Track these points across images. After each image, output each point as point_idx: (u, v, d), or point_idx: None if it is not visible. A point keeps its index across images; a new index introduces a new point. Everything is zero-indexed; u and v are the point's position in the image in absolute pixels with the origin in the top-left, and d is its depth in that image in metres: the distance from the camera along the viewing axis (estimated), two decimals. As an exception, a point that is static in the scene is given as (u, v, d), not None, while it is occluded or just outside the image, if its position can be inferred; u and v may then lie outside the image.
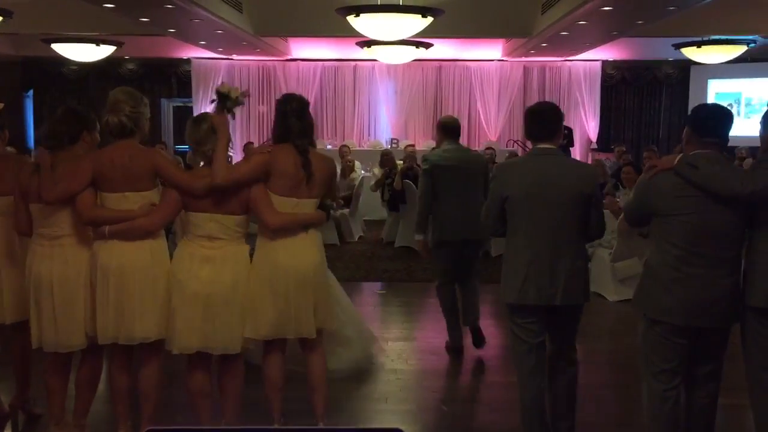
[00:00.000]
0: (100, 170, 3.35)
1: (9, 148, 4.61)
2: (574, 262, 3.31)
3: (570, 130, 12.93)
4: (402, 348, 5.37)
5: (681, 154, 3.08)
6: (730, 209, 2.99)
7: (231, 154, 3.68)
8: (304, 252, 3.45)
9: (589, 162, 12.56)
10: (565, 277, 3.27)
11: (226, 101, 3.44)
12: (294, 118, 3.47)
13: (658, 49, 13.04)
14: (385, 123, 14.72)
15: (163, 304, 3.39)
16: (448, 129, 5.15)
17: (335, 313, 3.81)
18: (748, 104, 14.23)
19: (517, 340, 3.41)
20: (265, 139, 14.56)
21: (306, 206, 3.45)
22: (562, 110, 3.55)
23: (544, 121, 3.42)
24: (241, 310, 3.41)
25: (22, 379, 3.96)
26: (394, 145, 13.44)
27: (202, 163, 3.47)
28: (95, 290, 3.38)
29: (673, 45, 11.81)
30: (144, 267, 3.35)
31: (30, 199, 3.47)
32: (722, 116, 3.16)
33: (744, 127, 12.67)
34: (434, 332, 5.71)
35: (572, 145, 13.41)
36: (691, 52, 11.62)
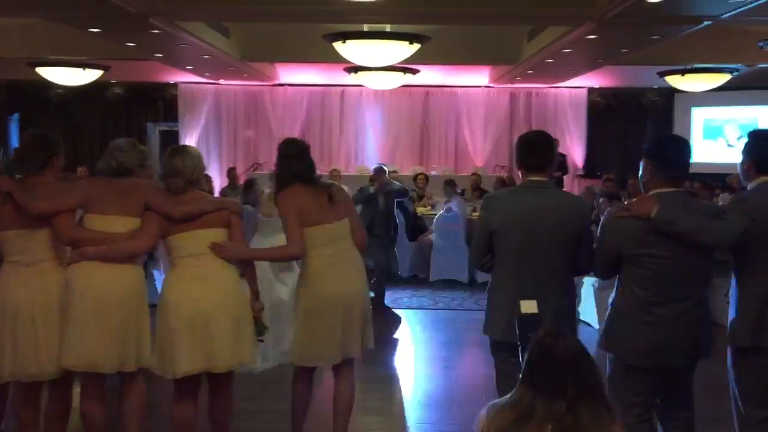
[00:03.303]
0: (95, 190, 3.34)
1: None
2: (559, 300, 3.19)
3: (564, 157, 12.94)
4: (386, 377, 5.29)
5: (657, 207, 2.93)
6: (700, 250, 2.96)
7: (213, 186, 3.74)
8: (350, 280, 3.62)
9: (579, 189, 12.59)
10: (551, 314, 3.13)
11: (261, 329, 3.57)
12: (296, 161, 3.65)
13: (643, 76, 13.15)
14: (372, 148, 14.72)
15: (141, 331, 3.32)
16: None
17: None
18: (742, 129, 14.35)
19: (502, 377, 3.31)
20: (251, 164, 14.52)
21: (337, 228, 3.60)
22: (555, 139, 3.44)
23: (537, 151, 3.25)
24: (237, 327, 3.37)
25: None
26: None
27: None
28: (67, 314, 3.27)
29: (657, 73, 11.92)
30: (123, 293, 3.29)
31: (1, 227, 3.36)
32: (683, 147, 3.15)
33: (735, 155, 12.81)
34: (420, 362, 5.64)
35: (567, 173, 13.41)
36: (675, 80, 11.73)
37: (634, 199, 3.11)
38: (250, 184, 9.63)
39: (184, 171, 3.40)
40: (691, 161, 3.18)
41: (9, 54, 10.81)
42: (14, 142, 15.22)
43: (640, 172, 3.15)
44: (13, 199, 3.32)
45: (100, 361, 3.26)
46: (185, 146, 3.61)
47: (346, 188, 4.13)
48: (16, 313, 3.32)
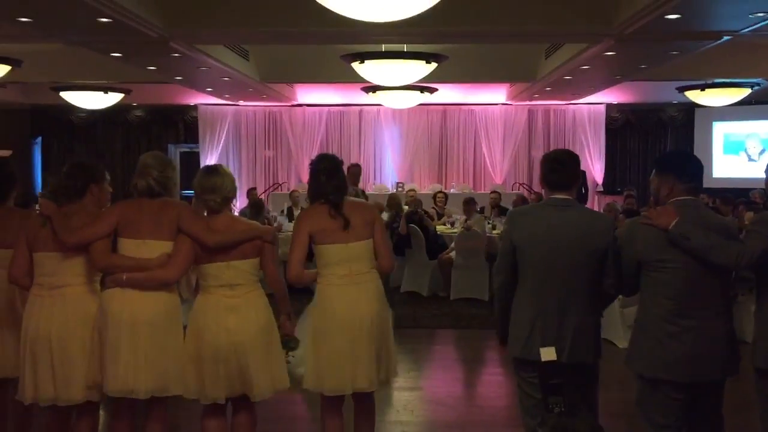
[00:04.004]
0: (127, 215, 3.35)
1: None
2: (583, 318, 3.15)
3: (583, 173, 12.88)
4: (408, 398, 5.26)
5: (676, 221, 2.98)
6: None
7: (234, 206, 3.71)
8: (360, 303, 3.48)
9: (600, 206, 12.50)
10: (573, 333, 3.12)
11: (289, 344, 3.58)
12: (324, 177, 3.56)
13: (662, 92, 13.09)
14: (390, 167, 14.76)
15: (175, 357, 3.34)
16: None
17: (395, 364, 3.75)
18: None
19: (524, 395, 3.28)
20: (271, 184, 14.61)
21: (355, 249, 3.51)
22: (579, 158, 3.39)
23: (563, 170, 3.24)
24: (270, 356, 3.41)
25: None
26: (399, 189, 13.44)
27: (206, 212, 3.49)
28: (102, 341, 3.31)
29: (677, 88, 11.86)
30: (157, 319, 3.31)
31: (36, 248, 3.43)
32: (696, 161, 3.22)
33: (757, 170, 12.66)
34: (442, 381, 5.60)
35: (587, 189, 13.34)
36: (694, 96, 11.66)
37: (655, 209, 3.09)
38: (259, 205, 9.69)
39: (223, 188, 3.43)
40: (713, 176, 3.21)
41: (33, 79, 11.01)
42: (38, 165, 15.45)
43: (654, 187, 3.20)
44: (51, 225, 3.38)
45: (135, 387, 3.28)
46: (218, 165, 3.61)
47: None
48: (36, 338, 3.36)
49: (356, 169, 8.77)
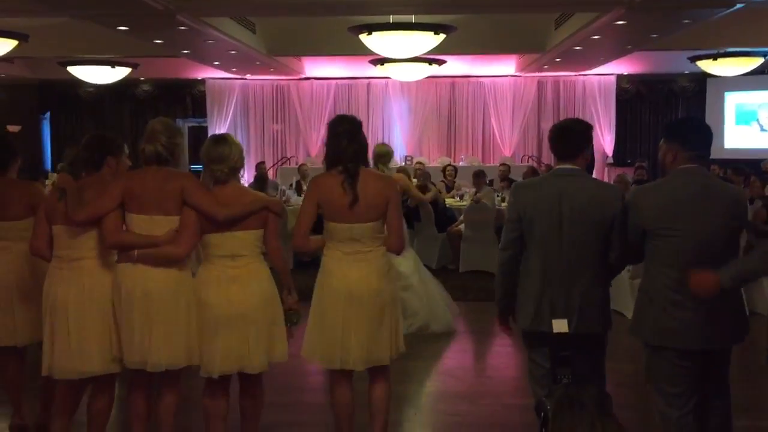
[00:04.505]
0: (131, 190, 3.33)
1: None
2: (590, 289, 3.15)
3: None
4: (417, 369, 5.29)
5: (722, 278, 2.84)
6: (725, 231, 2.97)
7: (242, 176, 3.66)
8: (361, 279, 3.37)
9: (611, 178, 12.42)
10: (580, 304, 3.12)
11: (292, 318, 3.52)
12: (346, 140, 3.37)
13: (673, 62, 12.93)
14: (399, 140, 14.70)
15: (188, 330, 3.36)
16: None
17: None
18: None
19: (534, 365, 3.30)
20: (279, 158, 14.60)
21: (361, 229, 3.37)
22: (591, 127, 3.31)
23: (567, 139, 3.23)
24: (271, 327, 3.40)
25: (16, 401, 3.98)
26: (408, 162, 13.40)
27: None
28: (117, 314, 3.35)
29: (688, 58, 11.71)
30: (169, 294, 3.32)
31: (54, 220, 3.45)
32: (704, 128, 3.18)
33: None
34: (451, 353, 5.63)
35: (593, 160, 13.25)
36: (706, 65, 11.52)
37: (693, 278, 2.90)
38: (263, 178, 9.70)
39: (230, 158, 3.38)
40: (725, 146, 3.16)
41: (40, 54, 10.99)
42: (47, 140, 15.48)
43: (661, 154, 3.17)
44: (66, 199, 3.40)
45: (149, 359, 3.32)
46: (226, 135, 3.56)
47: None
48: (54, 309, 3.41)
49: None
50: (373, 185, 3.39)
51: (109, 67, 11.62)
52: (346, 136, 3.38)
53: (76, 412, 3.61)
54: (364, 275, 3.38)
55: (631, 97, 14.88)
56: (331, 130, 3.43)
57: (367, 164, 3.48)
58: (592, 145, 3.35)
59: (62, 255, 3.44)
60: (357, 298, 3.36)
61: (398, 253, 3.60)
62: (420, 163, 12.16)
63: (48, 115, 15.47)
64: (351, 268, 3.38)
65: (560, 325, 2.99)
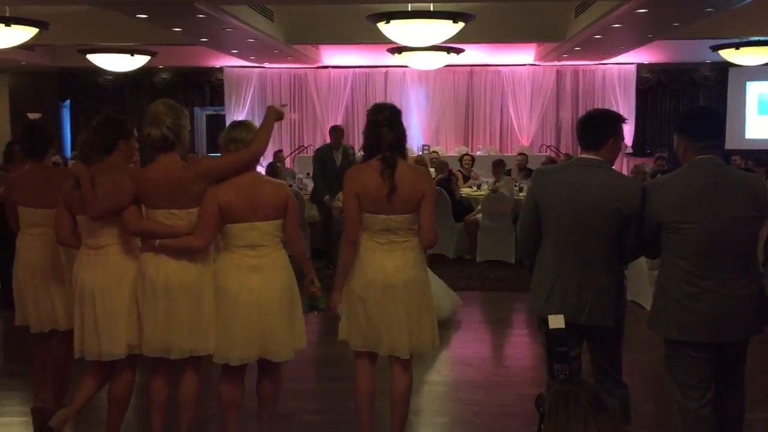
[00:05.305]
0: (143, 190, 3.35)
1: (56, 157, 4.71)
2: (604, 280, 3.13)
3: None
4: (433, 359, 5.30)
5: None
6: (741, 222, 2.92)
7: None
8: (396, 269, 3.37)
9: (628, 168, 12.32)
10: (593, 295, 3.10)
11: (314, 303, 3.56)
12: (386, 128, 3.35)
13: (694, 51, 12.77)
14: (416, 129, 14.66)
15: (209, 318, 3.39)
16: None
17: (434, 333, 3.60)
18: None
19: (544, 349, 3.27)
20: (295, 147, 14.61)
21: (397, 221, 3.36)
22: (620, 119, 3.25)
23: (592, 128, 3.20)
24: (292, 315, 3.42)
25: (59, 387, 4.03)
26: (425, 151, 13.38)
27: None
28: (141, 301, 3.40)
29: (710, 47, 11.56)
30: (191, 283, 3.35)
31: (74, 209, 3.50)
32: (712, 117, 3.15)
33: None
34: (468, 342, 5.63)
35: None
36: (729, 54, 11.36)
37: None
38: (274, 171, 9.72)
39: (244, 141, 3.40)
40: (746, 137, 3.11)
41: (60, 41, 11.05)
42: (67, 127, 15.60)
43: (675, 146, 3.14)
44: (80, 189, 3.43)
45: (171, 347, 3.36)
46: (246, 120, 3.60)
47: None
48: (82, 293, 3.47)
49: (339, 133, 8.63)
50: (409, 177, 3.38)
51: (128, 55, 11.67)
52: (386, 124, 3.37)
53: (94, 398, 3.67)
54: (399, 265, 3.38)
55: (651, 86, 14.72)
56: (371, 118, 3.41)
57: (405, 154, 3.46)
58: (621, 138, 3.29)
59: (88, 243, 3.49)
60: (394, 287, 3.37)
61: (430, 247, 3.57)
62: (435, 152, 12.12)
63: (68, 102, 15.58)
64: (386, 258, 3.39)
65: (556, 321, 2.96)
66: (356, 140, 14.54)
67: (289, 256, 3.50)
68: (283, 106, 3.74)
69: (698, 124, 3.06)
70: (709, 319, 2.93)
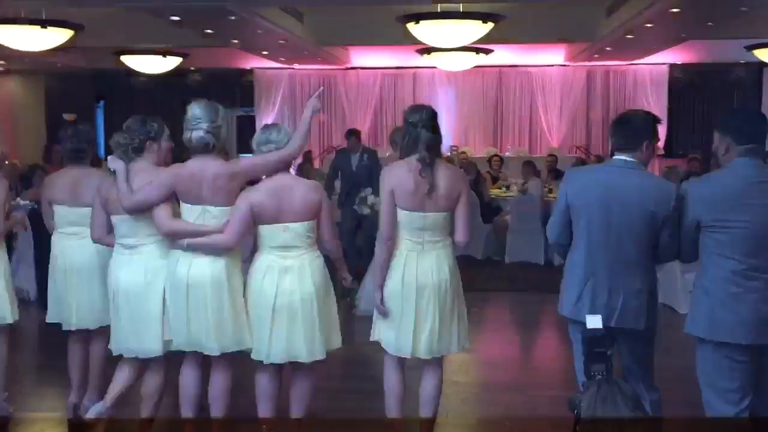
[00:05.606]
0: (180, 184, 3.41)
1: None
2: (634, 283, 3.09)
3: None
4: (462, 359, 5.28)
5: None
6: None
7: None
8: (432, 271, 3.41)
9: (660, 170, 12.16)
10: (623, 298, 3.07)
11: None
12: (424, 129, 3.41)
13: (728, 51, 12.56)
14: (445, 130, 14.53)
15: (238, 316, 3.43)
16: None
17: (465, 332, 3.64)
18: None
19: (574, 348, 3.28)
20: (324, 148, 14.67)
21: (433, 219, 3.39)
22: (656, 121, 3.22)
23: (628, 130, 3.17)
24: (325, 316, 3.47)
25: (94, 383, 4.09)
26: (454, 152, 13.35)
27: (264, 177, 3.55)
28: (170, 300, 3.46)
29: (745, 47, 11.37)
30: (219, 282, 3.40)
31: (110, 210, 3.57)
32: (759, 119, 3.07)
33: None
34: (496, 344, 5.61)
35: None
36: (764, 54, 11.17)
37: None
38: (303, 169, 9.78)
39: (280, 142, 3.46)
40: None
41: (94, 43, 11.23)
42: (101, 128, 15.85)
43: (714, 146, 3.09)
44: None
45: (202, 344, 3.42)
46: (278, 123, 3.70)
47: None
48: (117, 291, 3.54)
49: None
50: (447, 176, 3.42)
51: (160, 57, 11.83)
52: (423, 124, 3.41)
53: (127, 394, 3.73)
54: (434, 266, 3.42)
55: (684, 87, 14.51)
56: (409, 118, 3.45)
57: (440, 154, 3.51)
58: (657, 140, 3.25)
59: (123, 243, 3.56)
60: (428, 288, 3.40)
61: (462, 246, 3.59)
62: (463, 153, 12.09)
63: (102, 103, 15.82)
64: (421, 258, 3.41)
65: (594, 321, 2.94)
66: (384, 141, 14.56)
67: (324, 256, 3.53)
68: (320, 90, 3.74)
69: (745, 126, 3.02)
70: (751, 319, 2.88)
